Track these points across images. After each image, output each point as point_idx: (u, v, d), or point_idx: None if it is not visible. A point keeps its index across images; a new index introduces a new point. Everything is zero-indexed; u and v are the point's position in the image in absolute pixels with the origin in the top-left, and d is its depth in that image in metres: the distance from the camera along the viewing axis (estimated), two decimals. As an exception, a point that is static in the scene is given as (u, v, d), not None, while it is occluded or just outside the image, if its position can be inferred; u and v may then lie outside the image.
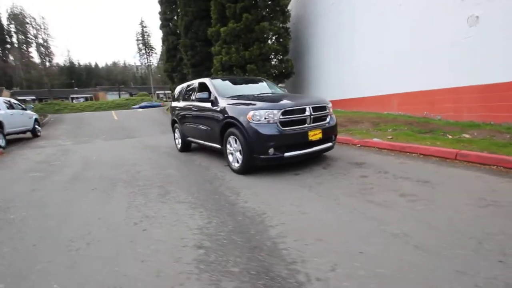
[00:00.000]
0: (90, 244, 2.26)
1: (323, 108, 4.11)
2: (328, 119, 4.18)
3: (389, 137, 5.45)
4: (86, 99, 53.52)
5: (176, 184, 3.78)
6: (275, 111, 3.63)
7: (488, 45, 5.08)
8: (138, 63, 72.38)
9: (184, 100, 6.06)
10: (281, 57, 12.20)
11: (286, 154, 3.68)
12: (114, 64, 79.89)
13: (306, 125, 3.83)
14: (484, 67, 5.19)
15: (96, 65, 77.87)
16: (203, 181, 3.82)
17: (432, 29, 6.14)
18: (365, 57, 8.43)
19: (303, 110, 3.82)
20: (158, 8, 20.02)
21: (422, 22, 6.40)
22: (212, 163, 4.88)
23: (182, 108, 5.98)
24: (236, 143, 3.99)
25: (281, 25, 11.73)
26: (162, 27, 18.70)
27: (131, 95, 52.85)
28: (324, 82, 11.33)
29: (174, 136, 6.74)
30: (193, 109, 5.33)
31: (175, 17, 18.39)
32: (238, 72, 12.00)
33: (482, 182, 2.99)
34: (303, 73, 12.78)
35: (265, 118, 3.63)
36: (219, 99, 4.51)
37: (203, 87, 5.61)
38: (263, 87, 5.32)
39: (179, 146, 6.49)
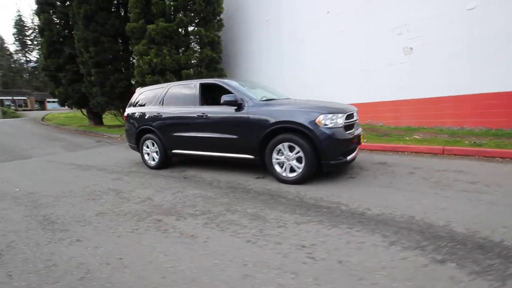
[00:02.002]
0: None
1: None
2: (355, 124, 4.46)
3: (364, 140, 6.37)
4: None
5: (243, 211, 3.08)
6: (340, 115, 3.60)
7: (419, 69, 6.86)
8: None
9: (168, 105, 4.97)
10: (216, 65, 11.84)
11: (348, 158, 3.71)
12: None
13: (353, 129, 3.98)
14: (417, 85, 6.94)
15: None
16: (273, 199, 3.28)
17: (373, 54, 7.66)
18: (310, 75, 9.40)
19: (353, 115, 3.97)
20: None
21: (363, 48, 7.86)
22: (230, 177, 4.23)
23: (169, 116, 4.88)
24: (292, 150, 3.67)
25: (216, 33, 11.41)
26: (40, 12, 14.14)
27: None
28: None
29: (142, 151, 5.37)
30: (199, 115, 4.45)
31: (59, 2, 14.44)
32: (171, 77, 10.77)
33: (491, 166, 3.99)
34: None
35: (334, 123, 3.54)
36: (252, 103, 4.02)
37: (210, 89, 4.85)
38: (266, 91, 5.06)
39: (152, 162, 5.24)
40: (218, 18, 11.48)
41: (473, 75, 6.00)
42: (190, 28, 11.39)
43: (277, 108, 3.83)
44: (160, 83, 10.65)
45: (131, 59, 13.59)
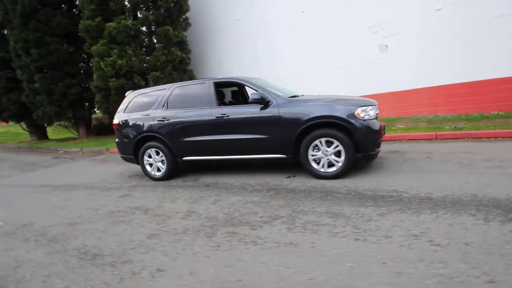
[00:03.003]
0: None
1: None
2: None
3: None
4: None
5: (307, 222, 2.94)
6: (371, 107, 3.70)
7: (395, 64, 7.49)
8: None
9: (175, 108, 4.52)
10: (185, 67, 11.23)
11: (380, 149, 3.84)
12: None
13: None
14: (393, 79, 7.58)
15: None
16: (328, 195, 3.19)
17: (351, 51, 8.13)
18: (288, 72, 9.54)
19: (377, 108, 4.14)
20: None
21: (341, 46, 8.29)
22: (258, 180, 4.03)
23: (179, 120, 4.43)
24: (329, 145, 3.65)
25: (183, 32, 10.80)
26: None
27: None
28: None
29: (143, 161, 4.78)
30: (218, 116, 4.13)
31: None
32: (139, 80, 9.87)
33: (486, 146, 4.54)
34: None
35: (369, 115, 3.62)
36: (281, 100, 3.89)
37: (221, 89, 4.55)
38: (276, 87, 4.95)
39: (157, 173, 4.73)
40: (184, 16, 10.92)
41: (443, 68, 6.80)
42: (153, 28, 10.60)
43: (311, 104, 3.77)
44: (127, 87, 9.72)
45: (86, 61, 12.08)
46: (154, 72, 9.83)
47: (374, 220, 2.41)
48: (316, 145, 3.72)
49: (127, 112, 4.97)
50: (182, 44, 10.81)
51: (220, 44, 11.52)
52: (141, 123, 4.73)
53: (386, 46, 7.57)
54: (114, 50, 9.51)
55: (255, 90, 4.04)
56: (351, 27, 8.04)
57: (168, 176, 4.68)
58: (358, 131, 3.52)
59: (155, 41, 10.53)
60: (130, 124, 4.86)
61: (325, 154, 3.70)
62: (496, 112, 6.32)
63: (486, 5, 6.12)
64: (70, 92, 11.24)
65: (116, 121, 5.07)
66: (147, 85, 9.96)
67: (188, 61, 11.06)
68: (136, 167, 5.50)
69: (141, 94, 4.97)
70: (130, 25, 9.52)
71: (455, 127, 5.93)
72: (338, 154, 3.66)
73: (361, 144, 3.55)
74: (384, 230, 2.21)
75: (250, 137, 4.03)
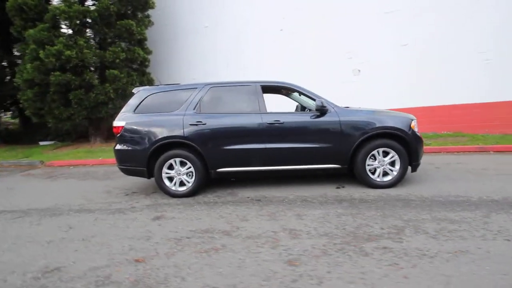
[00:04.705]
0: None
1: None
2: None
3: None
4: None
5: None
6: (416, 120, 4.05)
7: (367, 87, 8.47)
8: None
9: (211, 111, 3.90)
10: (145, 68, 9.93)
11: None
12: None
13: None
14: (365, 100, 8.54)
15: None
16: (406, 205, 3.23)
17: (328, 73, 8.80)
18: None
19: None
20: None
21: (321, 68, 8.89)
22: (308, 192, 3.80)
23: (221, 125, 3.84)
24: (385, 156, 3.77)
25: (146, 30, 9.59)
26: None
27: None
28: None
29: (161, 174, 3.87)
30: (270, 123, 3.75)
31: None
32: (91, 77, 8.16)
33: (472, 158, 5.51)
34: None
35: (416, 127, 3.94)
36: (339, 109, 3.86)
37: (267, 92, 4.21)
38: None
39: (180, 188, 3.92)
40: (146, 13, 9.78)
41: (406, 93, 8.10)
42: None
43: (373, 114, 3.87)
44: (75, 84, 7.90)
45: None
46: (112, 70, 8.31)
47: (491, 223, 2.58)
48: (373, 155, 3.81)
49: (139, 113, 3.99)
50: (143, 43, 9.59)
51: (183, 48, 10.72)
52: (163, 127, 3.86)
53: (359, 70, 8.54)
54: (60, 38, 7.64)
55: (310, 97, 3.90)
56: (329, 52, 8.75)
57: (194, 191, 3.92)
58: (413, 142, 3.77)
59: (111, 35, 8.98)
60: (145, 127, 3.91)
61: (381, 164, 3.81)
62: (445, 132, 7.86)
63: (439, 45, 7.72)
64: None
65: (120, 123, 3.98)
66: (101, 84, 8.34)
67: (147, 63, 9.85)
68: (119, 181, 4.82)
69: (159, 92, 4.09)
70: (84, 10, 7.88)
71: (428, 143, 7.05)
72: (392, 164, 3.83)
73: (415, 154, 3.81)
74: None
75: (305, 146, 3.80)
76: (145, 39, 9.49)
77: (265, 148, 3.81)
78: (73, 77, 7.82)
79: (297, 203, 3.43)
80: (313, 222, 2.81)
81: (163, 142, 3.84)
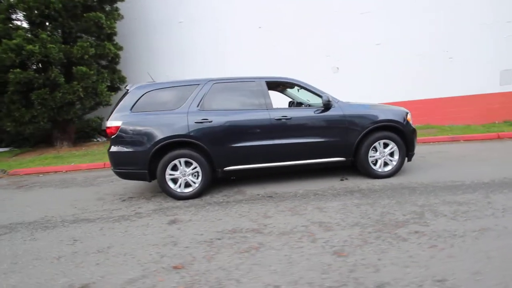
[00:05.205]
0: None
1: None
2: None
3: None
4: None
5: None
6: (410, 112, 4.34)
7: (345, 84, 8.84)
8: None
9: (215, 107, 3.76)
10: (115, 65, 9.24)
11: (408, 151, 4.49)
12: None
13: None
14: (344, 96, 8.90)
15: None
16: (415, 192, 3.45)
17: (308, 71, 9.00)
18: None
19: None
20: None
21: (300, 66, 9.05)
22: (312, 186, 3.88)
23: (227, 122, 3.72)
24: (386, 147, 3.98)
25: (115, 24, 8.91)
26: None
27: None
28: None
29: (164, 176, 3.65)
30: (277, 119, 3.75)
31: None
32: (55, 73, 7.37)
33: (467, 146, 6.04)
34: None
35: (410, 119, 4.21)
36: (342, 103, 4.00)
37: (272, 88, 4.19)
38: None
39: (186, 189, 3.73)
40: (115, 6, 9.10)
41: (382, 89, 8.63)
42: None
43: (371, 108, 4.05)
44: (39, 82, 7.08)
45: None
46: (80, 67, 7.59)
47: (493, 202, 2.86)
48: (374, 147, 4.00)
49: (136, 112, 3.70)
50: (113, 38, 8.92)
51: (155, 44, 10.19)
52: (165, 126, 3.63)
53: (338, 68, 8.90)
54: (19, 31, 6.78)
55: (314, 93, 3.98)
56: (306, 47, 8.98)
57: (200, 192, 3.76)
58: (410, 133, 4.04)
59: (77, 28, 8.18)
60: (145, 127, 3.65)
61: (382, 155, 4.02)
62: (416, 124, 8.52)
63: (409, 45, 8.35)
64: None
65: (116, 123, 3.65)
66: (67, 83, 7.59)
67: (118, 59, 9.19)
68: (107, 187, 4.59)
69: (158, 88, 3.83)
70: (46, 1, 7.06)
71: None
72: (391, 154, 4.06)
73: (411, 144, 4.08)
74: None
75: (314, 141, 3.86)
76: (115, 33, 8.83)
77: (274, 144, 3.79)
78: (36, 75, 7.00)
79: (310, 197, 3.48)
80: (337, 214, 2.87)
81: (166, 142, 3.61)
